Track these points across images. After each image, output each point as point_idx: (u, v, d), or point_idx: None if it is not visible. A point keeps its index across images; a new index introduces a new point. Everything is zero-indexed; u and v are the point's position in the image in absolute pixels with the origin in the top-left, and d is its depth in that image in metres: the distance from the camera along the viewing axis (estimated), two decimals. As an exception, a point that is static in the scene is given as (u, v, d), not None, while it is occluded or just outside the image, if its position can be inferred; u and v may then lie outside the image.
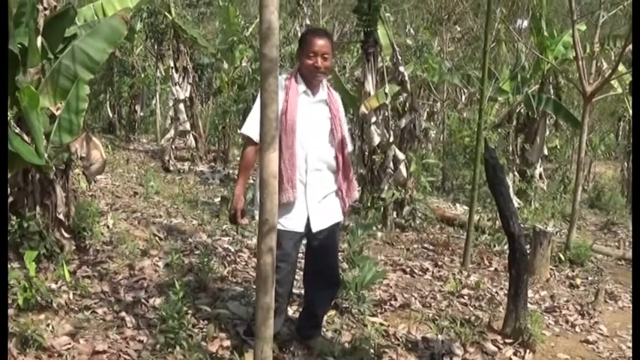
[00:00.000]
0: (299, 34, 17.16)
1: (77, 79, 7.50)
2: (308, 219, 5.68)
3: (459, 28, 23.40)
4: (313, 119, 5.63)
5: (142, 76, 22.94)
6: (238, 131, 5.66)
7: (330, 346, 6.12)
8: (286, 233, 5.54)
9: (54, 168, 7.74)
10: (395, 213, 12.94)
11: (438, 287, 8.92)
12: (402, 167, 12.70)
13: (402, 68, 13.07)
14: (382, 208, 12.59)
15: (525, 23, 21.00)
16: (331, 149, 5.74)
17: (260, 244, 4.24)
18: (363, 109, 12.47)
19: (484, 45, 9.98)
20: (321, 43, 5.48)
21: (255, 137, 5.42)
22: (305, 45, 5.56)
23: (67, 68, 7.52)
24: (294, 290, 7.52)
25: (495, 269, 10.54)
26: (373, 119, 12.63)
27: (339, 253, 6.46)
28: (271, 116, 4.05)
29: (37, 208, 7.71)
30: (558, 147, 20.09)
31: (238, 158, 14.32)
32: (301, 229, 5.64)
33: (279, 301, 5.66)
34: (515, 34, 17.38)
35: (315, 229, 5.70)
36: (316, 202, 5.69)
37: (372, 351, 6.21)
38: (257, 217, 5.84)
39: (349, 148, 5.94)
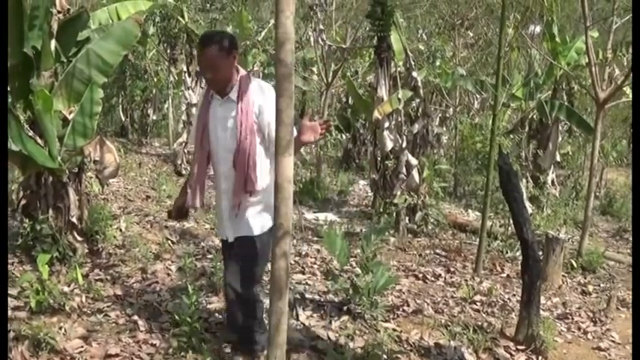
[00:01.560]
0: (311, 39, 17.21)
1: (91, 82, 7.52)
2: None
3: (471, 34, 23.36)
4: (220, 121, 5.33)
5: (155, 80, 22.92)
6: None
7: (342, 351, 6.11)
8: (221, 240, 5.68)
9: (67, 171, 7.77)
10: (407, 218, 12.91)
11: (450, 293, 8.90)
12: (415, 173, 12.68)
13: (414, 73, 13.07)
14: (394, 214, 12.56)
15: (538, 29, 20.97)
16: (234, 150, 5.24)
17: (274, 249, 4.23)
18: (376, 114, 12.45)
19: (498, 51, 9.96)
20: (201, 55, 5.15)
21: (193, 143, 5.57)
22: None
23: (81, 72, 7.55)
24: (308, 295, 7.54)
25: (508, 275, 10.51)
26: (386, 124, 12.61)
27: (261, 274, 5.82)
28: (286, 121, 4.04)
29: (50, 211, 7.74)
30: (570, 153, 20.04)
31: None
32: (224, 236, 5.52)
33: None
34: (528, 39, 17.36)
35: (230, 238, 5.48)
36: (227, 209, 5.42)
37: (384, 357, 6.19)
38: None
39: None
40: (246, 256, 5.44)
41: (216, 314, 6.68)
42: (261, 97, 5.23)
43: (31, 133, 7.43)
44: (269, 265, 4.52)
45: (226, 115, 5.27)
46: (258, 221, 5.39)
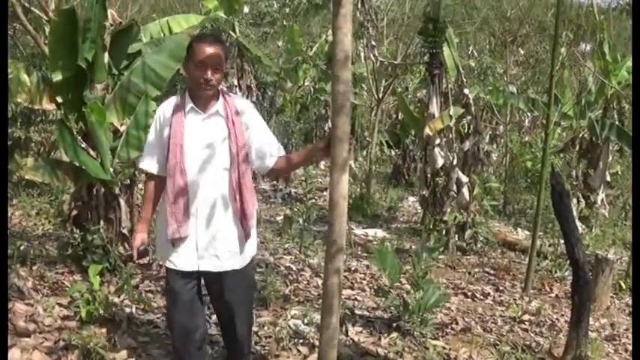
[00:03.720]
0: (362, 55, 17.17)
1: (144, 95, 7.56)
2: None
3: (522, 52, 23.25)
4: (204, 138, 4.79)
5: (205, 93, 23.02)
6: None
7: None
8: (174, 272, 4.99)
9: (119, 183, 7.83)
10: (456, 236, 12.83)
11: (499, 312, 8.85)
12: (465, 190, 12.60)
13: (466, 90, 13.01)
14: (444, 231, 12.48)
15: (588, 47, 20.84)
16: (226, 171, 4.83)
17: (327, 265, 4.22)
18: (427, 130, 12.40)
19: (551, 69, 9.90)
20: (210, 51, 4.69)
21: (153, 170, 5.02)
22: (191, 54, 4.74)
23: (136, 85, 7.59)
24: (357, 311, 7.52)
25: (556, 295, 10.42)
26: (437, 141, 12.55)
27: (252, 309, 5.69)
28: (343, 138, 4.03)
29: (101, 222, 7.82)
30: (620, 173, 19.84)
31: (303, 178, 14.33)
32: (193, 267, 4.92)
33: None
34: (579, 57, 17.24)
35: (202, 268, 4.92)
36: (207, 237, 4.87)
37: (433, 375, 6.18)
38: (157, 256, 5.42)
39: (266, 163, 4.99)
40: (240, 294, 5.20)
41: (265, 327, 6.67)
42: (245, 111, 4.95)
43: (84, 145, 7.51)
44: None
45: (213, 133, 4.82)
46: (244, 248, 5.08)
